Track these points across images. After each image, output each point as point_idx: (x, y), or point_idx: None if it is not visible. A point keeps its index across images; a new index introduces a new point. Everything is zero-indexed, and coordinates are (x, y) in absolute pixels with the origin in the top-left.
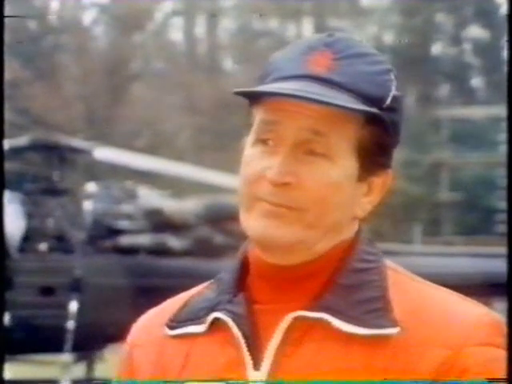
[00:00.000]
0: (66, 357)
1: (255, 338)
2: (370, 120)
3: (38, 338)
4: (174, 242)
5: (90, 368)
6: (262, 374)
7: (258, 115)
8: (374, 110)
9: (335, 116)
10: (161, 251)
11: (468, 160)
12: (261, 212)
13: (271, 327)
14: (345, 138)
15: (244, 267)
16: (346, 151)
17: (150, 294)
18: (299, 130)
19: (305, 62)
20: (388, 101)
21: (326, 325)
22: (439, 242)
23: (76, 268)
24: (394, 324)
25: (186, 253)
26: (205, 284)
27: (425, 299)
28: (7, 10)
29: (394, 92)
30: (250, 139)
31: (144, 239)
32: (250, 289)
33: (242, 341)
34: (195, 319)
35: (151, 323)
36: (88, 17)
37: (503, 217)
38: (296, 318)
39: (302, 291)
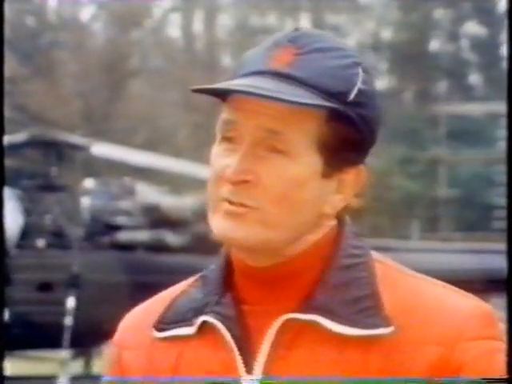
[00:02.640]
0: (64, 353)
1: (246, 340)
2: (334, 116)
3: (36, 334)
4: (172, 238)
5: (88, 364)
6: (255, 377)
7: (221, 114)
8: (329, 104)
9: (293, 113)
10: (159, 247)
11: (466, 156)
12: (223, 213)
13: (262, 329)
14: (305, 134)
15: (229, 265)
16: (306, 148)
17: (147, 290)
18: (256, 128)
19: (267, 58)
20: (352, 95)
21: (318, 326)
22: (437, 238)
23: (74, 264)
24: (386, 323)
25: (184, 249)
26: (189, 281)
27: (415, 294)
28: (6, 7)
29: (359, 86)
30: (217, 137)
31: (142, 235)
32: (236, 288)
33: (234, 344)
34: (183, 321)
35: (138, 324)
36: (86, 13)
37: (501, 213)
38: (287, 320)
39: (289, 290)
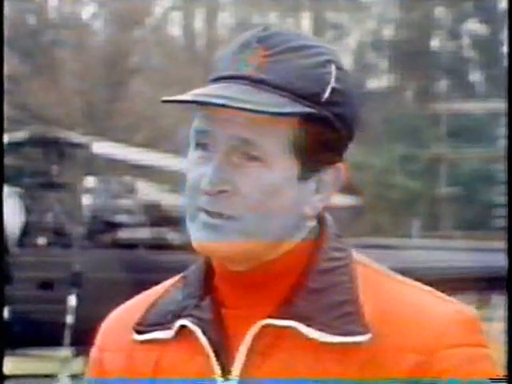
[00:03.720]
0: (65, 351)
1: (224, 345)
2: (308, 118)
3: (37, 333)
4: (172, 236)
5: (88, 362)
6: (231, 382)
7: (194, 121)
8: (300, 110)
9: (265, 120)
10: (160, 245)
11: (467, 155)
12: (201, 225)
13: (240, 334)
14: (278, 139)
15: (209, 267)
16: (280, 153)
17: (148, 288)
18: (229, 138)
19: (236, 62)
20: (326, 95)
21: (296, 332)
22: (438, 236)
23: (75, 262)
24: (365, 330)
25: (184, 247)
26: (171, 281)
27: (396, 300)
28: (6, 6)
29: (333, 85)
30: (190, 143)
31: (143, 233)
32: (216, 290)
33: (211, 350)
34: (162, 324)
35: (119, 326)
36: (87, 12)
37: (502, 211)
38: (264, 326)
39: (269, 294)
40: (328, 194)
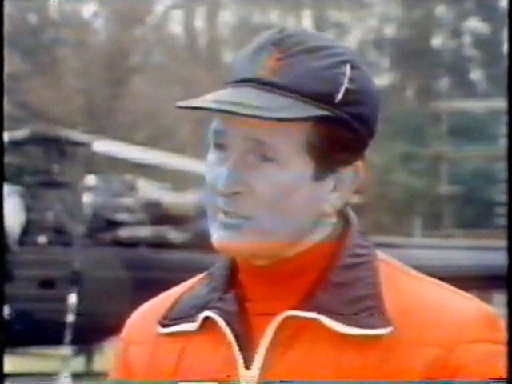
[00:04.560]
0: (66, 349)
1: (247, 337)
2: (322, 119)
3: (38, 331)
4: (173, 234)
5: (89, 361)
6: (253, 373)
7: (212, 122)
8: (313, 113)
9: (278, 122)
10: (160, 244)
11: (468, 153)
12: (219, 224)
13: (262, 326)
14: (293, 141)
15: (234, 262)
16: (295, 154)
17: (149, 286)
18: (244, 138)
19: (252, 65)
20: (340, 96)
21: (318, 324)
22: (439, 234)
23: (75, 261)
24: (386, 323)
25: (185, 245)
26: (197, 278)
27: (417, 296)
28: (7, 4)
29: (347, 85)
30: (209, 144)
31: (144, 232)
32: (240, 285)
33: (233, 340)
34: (187, 317)
35: (144, 320)
36: (88, 10)
37: (503, 210)
38: (287, 317)
39: (292, 288)
40: (346, 192)
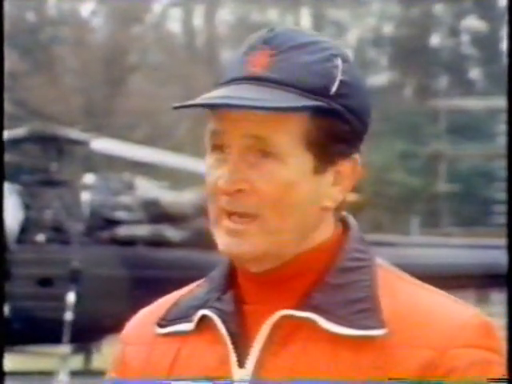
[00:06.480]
0: (64, 348)
1: (242, 336)
2: (319, 111)
3: (36, 329)
4: (171, 233)
5: (87, 359)
6: (247, 371)
7: (208, 124)
8: (311, 103)
9: (277, 116)
10: (158, 242)
11: (466, 151)
12: (224, 230)
13: (258, 326)
14: (291, 135)
15: (234, 266)
16: (294, 148)
17: (147, 285)
18: (243, 136)
19: (244, 63)
20: (334, 88)
21: (313, 324)
22: (437, 233)
23: (74, 259)
24: (380, 325)
25: (183, 244)
26: (198, 282)
27: (413, 301)
28: (6, 2)
29: (340, 77)
30: (206, 147)
31: (142, 230)
32: (239, 287)
33: (228, 338)
34: (184, 317)
35: (143, 322)
36: (86, 9)
37: (501, 208)
38: (283, 317)
39: (290, 291)
40: (346, 185)
